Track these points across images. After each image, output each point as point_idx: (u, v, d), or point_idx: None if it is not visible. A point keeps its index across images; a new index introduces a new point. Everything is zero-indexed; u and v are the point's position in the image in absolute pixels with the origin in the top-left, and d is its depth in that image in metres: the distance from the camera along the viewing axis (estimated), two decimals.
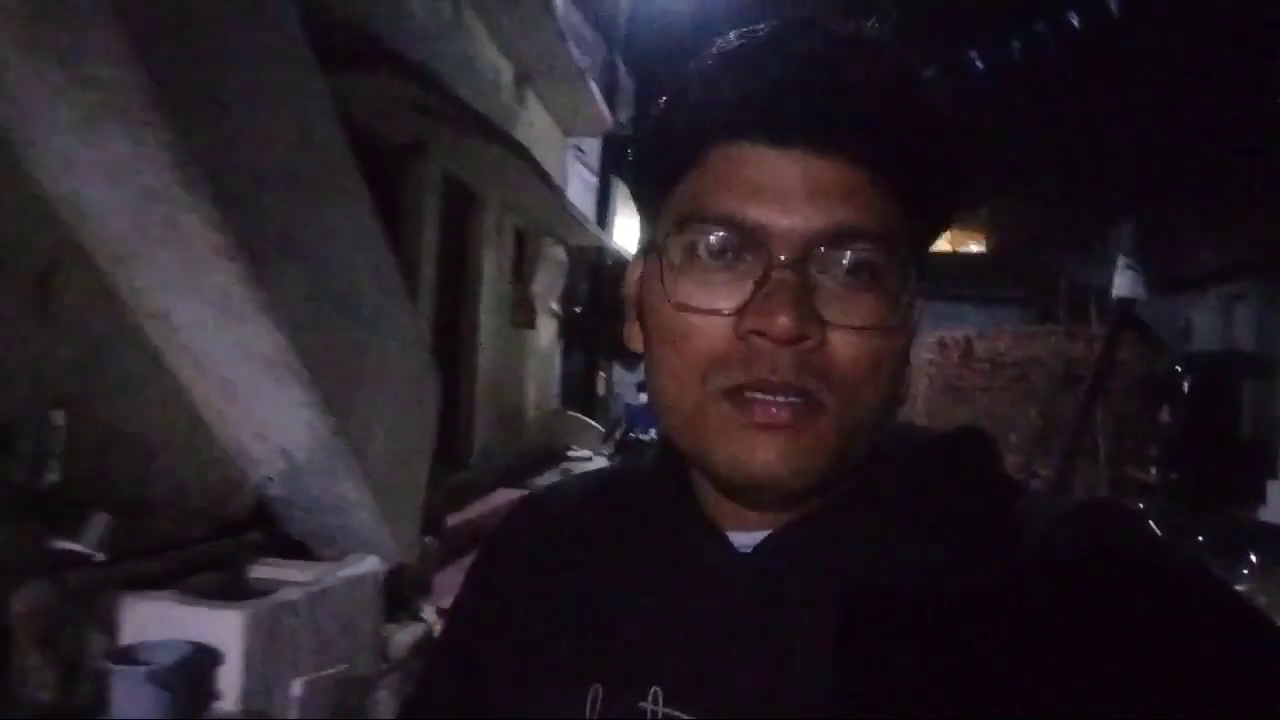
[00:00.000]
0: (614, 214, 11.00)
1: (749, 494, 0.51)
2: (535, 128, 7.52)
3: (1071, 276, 19.91)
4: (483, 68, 6.09)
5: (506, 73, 6.70)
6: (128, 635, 2.65)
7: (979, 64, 9.44)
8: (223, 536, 3.31)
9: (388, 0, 4.43)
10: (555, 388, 9.07)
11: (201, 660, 2.59)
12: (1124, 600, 0.44)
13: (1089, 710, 0.42)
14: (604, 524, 0.60)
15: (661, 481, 0.58)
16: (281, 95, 2.85)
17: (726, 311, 0.48)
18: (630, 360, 12.74)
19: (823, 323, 0.47)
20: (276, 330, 2.85)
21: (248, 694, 2.65)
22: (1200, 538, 4.42)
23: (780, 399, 0.47)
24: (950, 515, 0.51)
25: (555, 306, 8.53)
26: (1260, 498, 6.79)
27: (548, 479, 6.51)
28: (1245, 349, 10.45)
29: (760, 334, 0.46)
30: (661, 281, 0.50)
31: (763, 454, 0.48)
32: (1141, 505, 6.13)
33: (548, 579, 0.60)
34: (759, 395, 0.47)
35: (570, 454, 8.01)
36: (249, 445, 3.26)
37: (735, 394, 0.48)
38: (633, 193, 0.57)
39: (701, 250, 0.49)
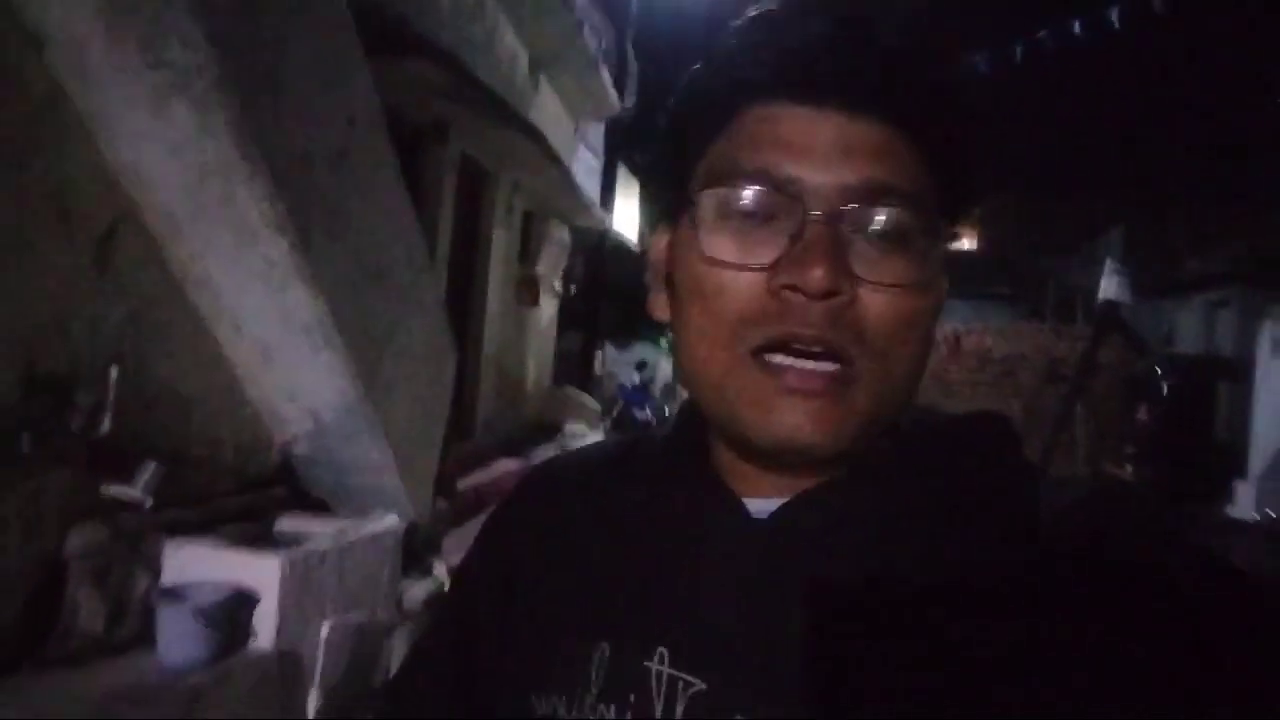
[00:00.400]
0: (615, 197, 11.19)
1: (777, 458, 0.51)
2: (547, 111, 7.69)
3: (1060, 278, 20.20)
4: (501, 52, 6.26)
5: (522, 58, 6.87)
6: (170, 576, 2.87)
7: (981, 66, 9.65)
8: (250, 491, 3.53)
9: None
10: (552, 365, 9.29)
11: (241, 601, 2.81)
12: (1136, 588, 0.44)
13: (1092, 696, 0.42)
14: (617, 489, 0.60)
15: (678, 447, 0.58)
16: (331, 78, 3.04)
17: (760, 266, 0.48)
18: (624, 340, 12.95)
19: (855, 278, 0.47)
20: (316, 299, 3.05)
21: (281, 634, 2.88)
22: None
23: (812, 366, 0.48)
24: (967, 495, 0.50)
25: (557, 286, 8.73)
26: (1229, 497, 7.08)
27: (545, 451, 6.75)
28: (1225, 354, 10.76)
29: (793, 288, 0.47)
30: (695, 239, 0.50)
31: (793, 419, 0.48)
32: None
33: (558, 541, 0.60)
34: (791, 362, 0.48)
35: (566, 429, 8.24)
36: (279, 406, 3.47)
37: (766, 358, 0.48)
38: (663, 159, 0.56)
39: (735, 206, 0.49)
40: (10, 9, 2.31)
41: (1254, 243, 11.23)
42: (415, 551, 3.87)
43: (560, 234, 8.60)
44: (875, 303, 0.48)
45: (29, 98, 2.42)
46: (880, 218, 0.48)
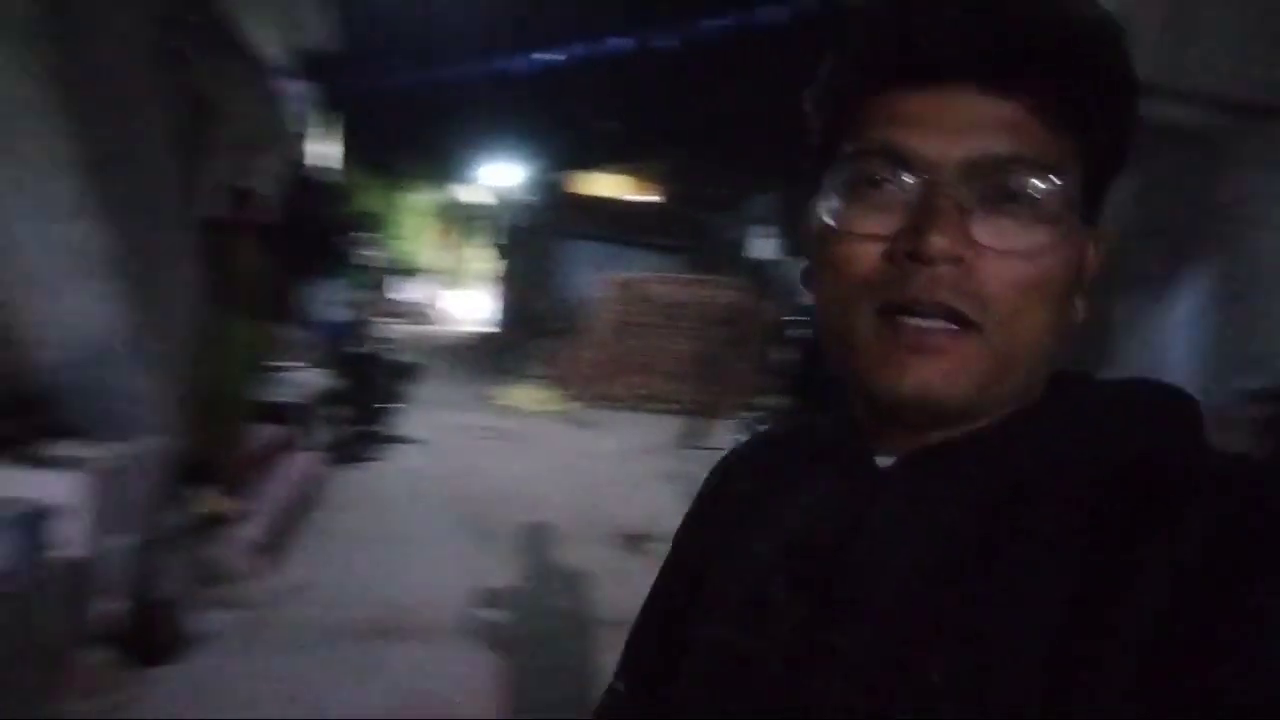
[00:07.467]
0: (318, 131, 10.92)
1: (900, 414, 0.53)
2: (260, 39, 7.50)
3: (719, 233, 22.73)
4: None
5: None
6: None
7: (672, 40, 10.86)
8: (9, 418, 3.51)
9: None
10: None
11: (36, 516, 2.98)
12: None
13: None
14: (785, 457, 0.67)
15: (837, 418, 0.63)
16: (116, 20, 3.15)
17: (884, 235, 0.51)
18: (326, 278, 12.68)
19: (976, 246, 0.49)
20: (95, 232, 3.19)
21: (74, 547, 3.08)
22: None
23: (929, 323, 0.50)
24: (1099, 461, 0.50)
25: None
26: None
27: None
28: None
29: (913, 256, 0.49)
30: (823, 212, 0.54)
31: (913, 376, 0.51)
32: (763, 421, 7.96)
33: (736, 501, 0.68)
34: (910, 320, 0.50)
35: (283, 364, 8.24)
36: (44, 334, 3.50)
37: (888, 316, 0.51)
38: (808, 145, 0.60)
39: (861, 180, 0.52)
40: None
41: None
42: (187, 476, 4.06)
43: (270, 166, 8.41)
44: (996, 269, 0.50)
45: None
46: (1003, 186, 0.50)
